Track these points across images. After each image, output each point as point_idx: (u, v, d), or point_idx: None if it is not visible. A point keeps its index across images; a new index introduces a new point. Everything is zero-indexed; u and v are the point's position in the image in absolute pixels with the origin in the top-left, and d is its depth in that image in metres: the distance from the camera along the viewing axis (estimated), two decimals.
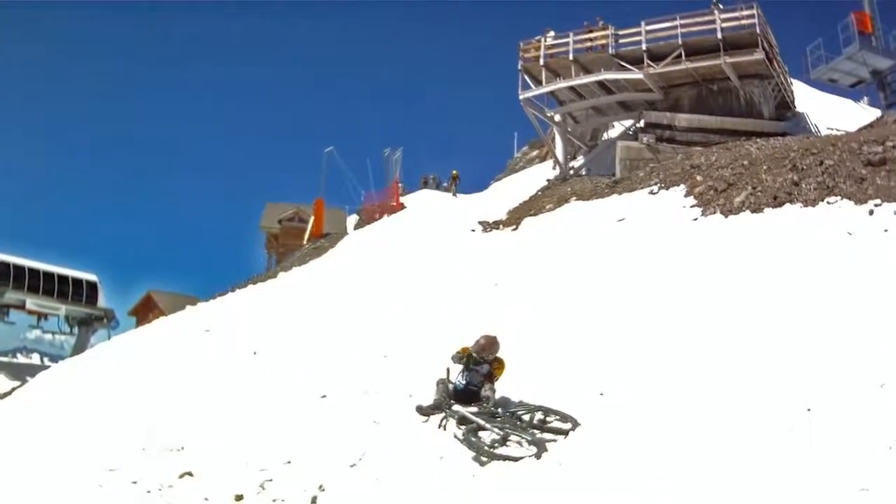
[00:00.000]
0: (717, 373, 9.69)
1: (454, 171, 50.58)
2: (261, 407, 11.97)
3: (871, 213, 15.16)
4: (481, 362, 10.77)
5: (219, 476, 9.57)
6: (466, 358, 10.84)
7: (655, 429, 8.39)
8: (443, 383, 10.70)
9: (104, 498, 9.35)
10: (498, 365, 10.81)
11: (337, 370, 13.33)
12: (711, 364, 10.04)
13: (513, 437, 9.15)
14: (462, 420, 9.63)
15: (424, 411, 10.40)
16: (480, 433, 9.29)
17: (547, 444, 8.72)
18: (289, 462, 9.69)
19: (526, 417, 9.65)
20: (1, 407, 17.19)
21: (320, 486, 8.86)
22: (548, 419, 9.56)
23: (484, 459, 8.71)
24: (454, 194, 47.62)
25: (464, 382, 10.70)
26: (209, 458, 10.14)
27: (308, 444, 10.14)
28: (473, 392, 10.51)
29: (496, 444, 9.04)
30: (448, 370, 10.87)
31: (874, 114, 33.25)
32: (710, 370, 9.85)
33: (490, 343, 10.90)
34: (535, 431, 9.30)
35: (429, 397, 10.59)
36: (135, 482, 9.64)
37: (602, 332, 12.52)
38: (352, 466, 9.28)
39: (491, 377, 10.67)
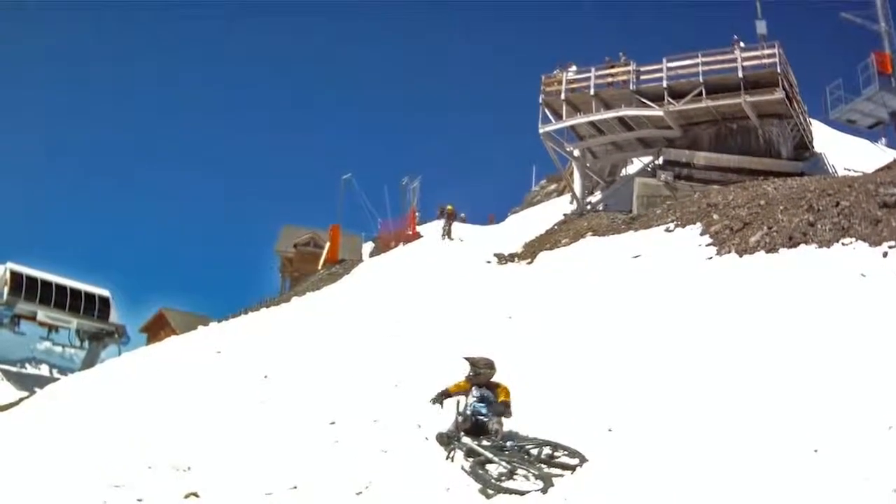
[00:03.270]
0: (726, 413, 9.66)
1: (449, 206, 38.79)
2: (269, 431, 11.96)
3: (885, 255, 15.14)
4: (482, 386, 10.56)
5: (224, 498, 9.56)
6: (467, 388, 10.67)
7: (662, 467, 8.37)
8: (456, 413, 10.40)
9: None
10: (502, 392, 10.55)
11: (347, 397, 13.32)
12: (720, 403, 10.02)
13: (520, 471, 9.12)
14: (470, 452, 9.59)
15: (443, 440, 10.30)
16: (488, 466, 9.26)
17: (554, 479, 8.72)
18: (295, 487, 9.68)
19: (534, 451, 9.62)
20: (9, 418, 17.25)
21: None
22: (556, 454, 9.53)
23: (490, 492, 8.69)
24: (447, 235, 37.53)
25: (470, 412, 10.37)
26: (215, 479, 10.14)
27: (315, 469, 10.13)
28: (482, 424, 10.28)
29: (503, 478, 9.02)
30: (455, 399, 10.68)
31: (891, 155, 33.19)
32: (718, 409, 9.83)
33: (485, 362, 10.78)
34: (543, 466, 9.27)
35: (438, 428, 10.50)
36: (140, 500, 9.64)
37: (613, 369, 12.49)
38: (358, 494, 9.26)
39: (496, 406, 10.41)
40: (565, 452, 9.47)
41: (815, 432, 8.48)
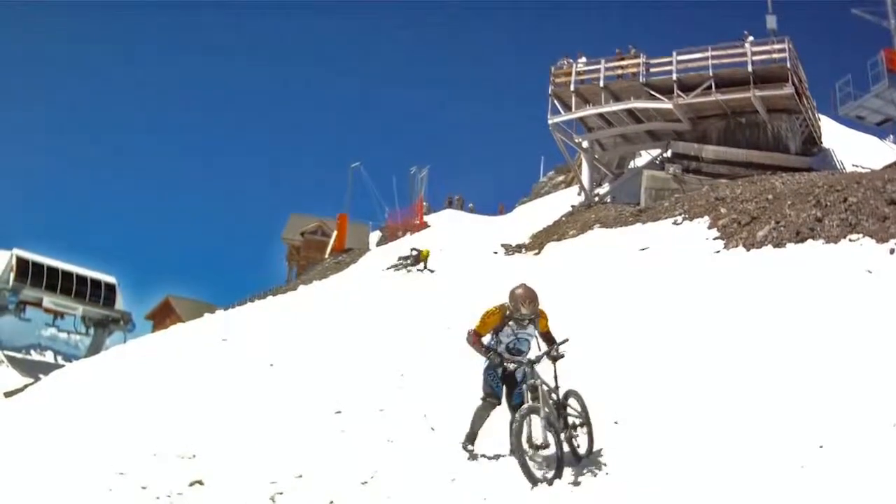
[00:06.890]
0: (732, 407, 9.63)
1: (425, 250, 29.37)
2: (275, 419, 11.96)
3: (893, 251, 15.10)
4: (523, 320, 9.16)
5: (229, 486, 9.56)
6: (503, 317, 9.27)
7: (668, 460, 8.36)
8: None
9: (112, 502, 9.36)
10: (543, 318, 9.33)
11: (353, 386, 13.31)
12: (726, 398, 9.98)
13: (551, 447, 8.93)
14: (534, 389, 8.83)
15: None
16: (534, 424, 8.77)
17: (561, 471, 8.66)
18: (300, 476, 9.68)
19: (570, 421, 9.50)
20: (14, 404, 17.29)
21: (331, 502, 8.85)
22: (576, 433, 9.42)
23: (514, 454, 8.55)
24: (408, 265, 29.12)
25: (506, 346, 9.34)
26: (221, 467, 10.14)
27: (320, 458, 10.12)
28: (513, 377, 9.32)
29: (539, 448, 8.67)
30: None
31: None
32: (725, 404, 9.79)
33: (529, 296, 9.05)
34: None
35: (444, 418, 10.36)
36: (144, 487, 9.64)
37: (620, 361, 12.47)
38: (363, 484, 9.25)
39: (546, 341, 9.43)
40: (585, 432, 9.26)
41: (820, 428, 8.46)
